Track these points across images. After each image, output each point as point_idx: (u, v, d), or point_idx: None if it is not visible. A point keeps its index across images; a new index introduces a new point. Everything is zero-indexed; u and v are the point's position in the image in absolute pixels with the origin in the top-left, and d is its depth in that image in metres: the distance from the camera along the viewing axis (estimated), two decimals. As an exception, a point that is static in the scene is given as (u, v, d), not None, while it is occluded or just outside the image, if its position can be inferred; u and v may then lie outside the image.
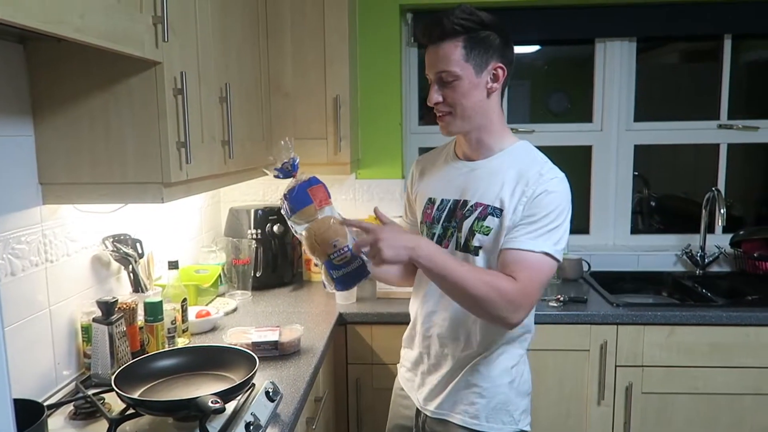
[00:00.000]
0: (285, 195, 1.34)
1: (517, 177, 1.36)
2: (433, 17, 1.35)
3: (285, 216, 1.36)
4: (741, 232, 2.64)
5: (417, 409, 1.53)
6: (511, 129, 1.49)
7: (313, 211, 1.31)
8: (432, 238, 1.46)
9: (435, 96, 1.38)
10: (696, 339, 2.10)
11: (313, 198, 1.31)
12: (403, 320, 2.08)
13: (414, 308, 1.56)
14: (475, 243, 1.38)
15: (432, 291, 1.49)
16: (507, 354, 1.43)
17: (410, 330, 1.59)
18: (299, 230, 1.34)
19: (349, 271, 1.30)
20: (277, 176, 1.35)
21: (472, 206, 1.39)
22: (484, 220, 1.36)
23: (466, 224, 1.39)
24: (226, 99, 1.69)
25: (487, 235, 1.36)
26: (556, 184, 1.34)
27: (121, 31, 1.12)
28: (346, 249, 1.28)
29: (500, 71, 1.36)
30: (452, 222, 1.43)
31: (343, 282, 1.32)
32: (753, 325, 2.08)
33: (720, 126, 2.73)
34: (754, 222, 2.95)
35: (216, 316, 1.96)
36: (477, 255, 1.38)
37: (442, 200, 1.47)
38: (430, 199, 1.50)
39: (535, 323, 1.49)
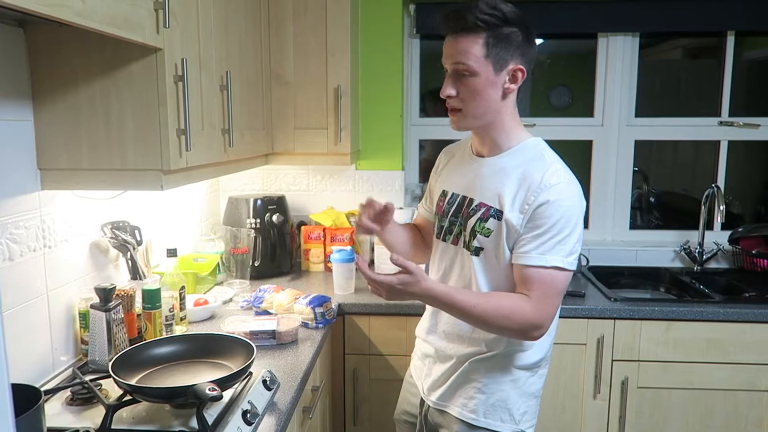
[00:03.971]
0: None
1: (520, 180, 1.32)
2: (454, 8, 1.30)
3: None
4: (740, 229, 2.64)
5: (422, 397, 1.54)
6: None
7: None
8: (441, 231, 1.47)
9: (448, 89, 1.33)
10: (693, 335, 2.11)
11: None
12: (400, 311, 2.10)
13: None
14: (476, 244, 1.36)
15: None
16: (515, 356, 1.41)
17: (422, 321, 1.59)
18: None
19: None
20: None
21: (476, 205, 1.37)
22: (486, 221, 1.34)
23: (470, 223, 1.38)
24: (226, 87, 1.68)
25: (487, 237, 1.34)
26: (561, 190, 1.28)
27: (123, 16, 1.11)
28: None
29: (519, 73, 1.32)
30: (459, 218, 1.42)
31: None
32: (749, 321, 2.08)
33: (721, 123, 2.73)
34: (752, 219, 2.95)
35: (214, 305, 1.96)
36: (477, 255, 1.37)
37: (453, 194, 1.46)
38: (443, 191, 1.50)
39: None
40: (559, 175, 1.31)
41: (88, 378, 1.35)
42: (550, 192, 1.27)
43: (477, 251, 1.37)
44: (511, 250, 1.33)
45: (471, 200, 1.40)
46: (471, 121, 1.35)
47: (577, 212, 1.30)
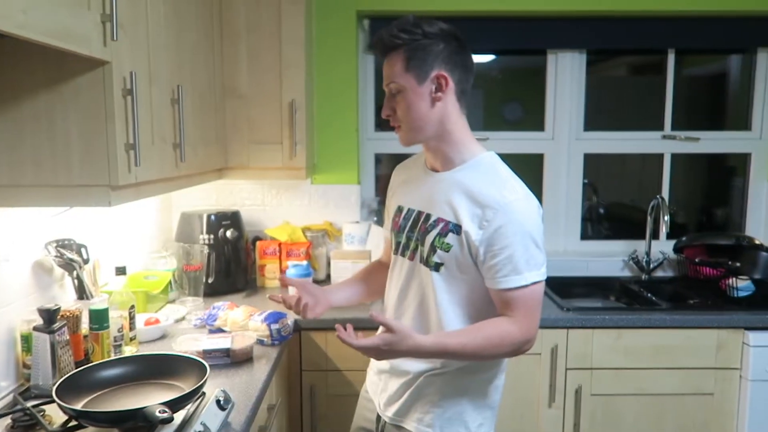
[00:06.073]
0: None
1: (476, 195, 1.32)
2: (376, 34, 1.38)
3: None
4: (683, 239, 2.74)
5: (378, 413, 1.52)
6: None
7: None
8: (398, 247, 1.47)
9: (385, 109, 1.39)
10: (642, 341, 2.17)
11: None
12: (358, 326, 2.07)
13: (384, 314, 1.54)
14: (436, 259, 1.36)
15: (392, 301, 1.49)
16: (469, 370, 1.41)
17: None
18: None
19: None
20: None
21: (434, 221, 1.37)
22: (445, 236, 1.35)
23: (428, 239, 1.37)
24: (178, 101, 1.65)
25: (447, 252, 1.34)
26: (519, 206, 1.30)
27: (67, 28, 1.08)
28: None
29: (443, 80, 1.32)
30: (415, 233, 1.41)
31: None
32: (694, 327, 2.16)
33: (664, 137, 2.84)
34: (695, 228, 3.07)
35: (165, 324, 1.91)
36: (438, 271, 1.36)
37: (408, 210, 1.46)
38: (399, 207, 1.50)
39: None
40: (516, 190, 1.33)
41: (30, 404, 1.29)
42: (508, 209, 1.29)
43: (437, 267, 1.36)
44: (476, 264, 1.33)
45: (428, 216, 1.39)
46: (413, 134, 1.37)
47: (538, 224, 1.33)
